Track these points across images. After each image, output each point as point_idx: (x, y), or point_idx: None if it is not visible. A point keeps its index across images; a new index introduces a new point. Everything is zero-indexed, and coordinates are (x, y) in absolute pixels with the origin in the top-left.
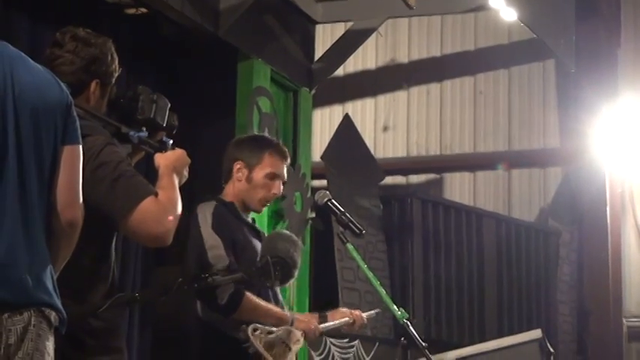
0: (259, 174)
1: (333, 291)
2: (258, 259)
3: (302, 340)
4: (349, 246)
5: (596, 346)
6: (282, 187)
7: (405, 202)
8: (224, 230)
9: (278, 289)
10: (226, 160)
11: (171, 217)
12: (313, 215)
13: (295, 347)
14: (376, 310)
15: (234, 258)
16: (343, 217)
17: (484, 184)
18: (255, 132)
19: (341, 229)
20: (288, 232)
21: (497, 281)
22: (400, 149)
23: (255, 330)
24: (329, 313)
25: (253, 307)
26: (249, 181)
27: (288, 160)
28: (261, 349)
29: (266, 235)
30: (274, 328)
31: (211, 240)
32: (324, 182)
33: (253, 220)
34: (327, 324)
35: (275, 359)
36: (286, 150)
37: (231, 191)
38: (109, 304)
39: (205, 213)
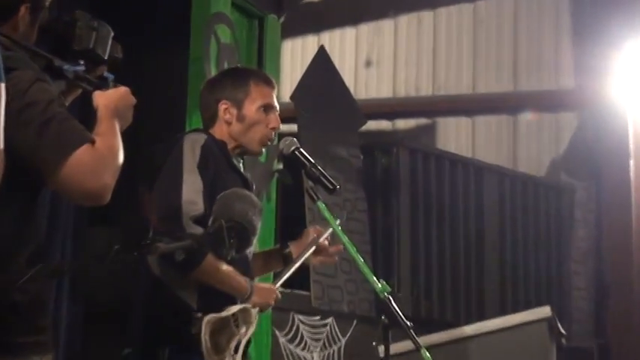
0: (251, 108)
1: None
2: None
3: (256, 320)
4: (320, 204)
5: (617, 325)
6: (279, 118)
7: (390, 152)
8: (210, 171)
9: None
10: (207, 105)
11: (110, 170)
12: (280, 167)
13: (249, 329)
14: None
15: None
16: (313, 169)
17: (485, 132)
18: (212, 67)
19: (311, 183)
20: (245, 191)
21: (499, 248)
22: (385, 89)
23: (208, 321)
24: (293, 244)
25: (215, 269)
26: (242, 119)
27: (276, 87)
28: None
29: (254, 187)
30: (232, 308)
31: (191, 180)
32: (294, 127)
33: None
34: (281, 278)
35: (225, 340)
36: (270, 76)
37: (221, 133)
38: (30, 275)
39: (194, 145)
